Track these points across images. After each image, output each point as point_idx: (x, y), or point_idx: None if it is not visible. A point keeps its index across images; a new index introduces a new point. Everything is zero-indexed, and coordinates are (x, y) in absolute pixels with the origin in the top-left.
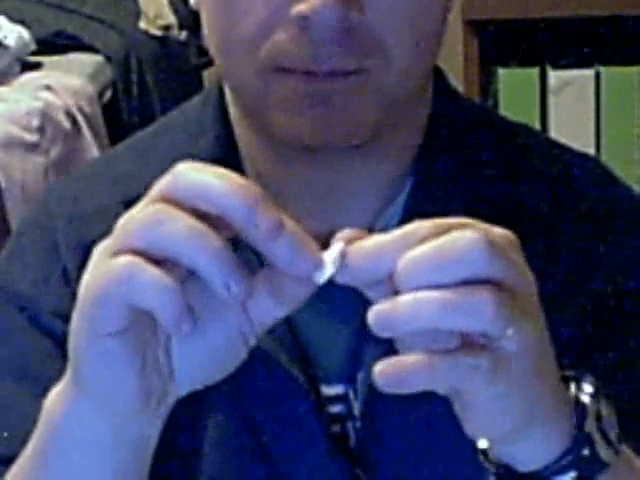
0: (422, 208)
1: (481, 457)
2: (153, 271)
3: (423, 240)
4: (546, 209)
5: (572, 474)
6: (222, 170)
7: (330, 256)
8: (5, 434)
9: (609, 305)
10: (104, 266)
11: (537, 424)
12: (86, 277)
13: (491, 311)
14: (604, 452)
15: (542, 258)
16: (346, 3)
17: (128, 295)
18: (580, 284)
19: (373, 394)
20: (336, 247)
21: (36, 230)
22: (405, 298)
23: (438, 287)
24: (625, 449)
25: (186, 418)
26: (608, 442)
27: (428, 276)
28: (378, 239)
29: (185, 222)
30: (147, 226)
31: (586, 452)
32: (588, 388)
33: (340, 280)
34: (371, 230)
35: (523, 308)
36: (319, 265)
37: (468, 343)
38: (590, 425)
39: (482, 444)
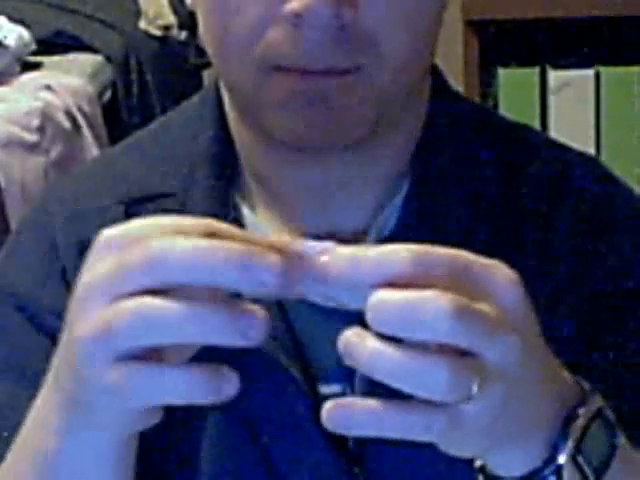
0: (420, 207)
1: None
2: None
3: (401, 271)
4: (545, 209)
5: None
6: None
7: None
8: (5, 434)
9: (609, 305)
10: (112, 370)
11: (509, 444)
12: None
13: (443, 386)
14: None
15: (541, 258)
16: (339, 0)
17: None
18: (579, 284)
19: (370, 393)
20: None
21: (35, 229)
22: (367, 343)
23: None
24: (625, 459)
25: (185, 418)
26: (583, 476)
27: (395, 328)
28: (358, 250)
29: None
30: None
31: None
32: (581, 420)
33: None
34: (369, 229)
35: (495, 378)
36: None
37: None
38: (565, 457)
39: None
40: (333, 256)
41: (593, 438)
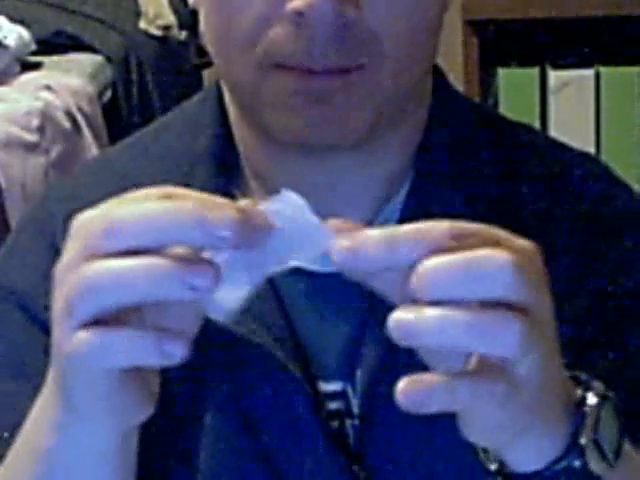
0: (421, 206)
1: (482, 454)
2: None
3: (441, 242)
4: (545, 208)
5: None
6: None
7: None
8: (5, 434)
9: (609, 305)
10: (71, 339)
11: (533, 433)
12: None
13: (518, 339)
14: (596, 465)
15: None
16: None
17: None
18: (580, 283)
19: (371, 391)
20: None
21: (35, 229)
22: (431, 312)
23: (460, 304)
24: (629, 456)
25: (185, 416)
26: (602, 456)
27: (451, 290)
28: (392, 230)
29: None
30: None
31: (577, 463)
32: (592, 399)
33: (345, 270)
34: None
35: (541, 334)
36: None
37: (483, 362)
38: (585, 438)
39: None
40: (361, 236)
41: (606, 418)
